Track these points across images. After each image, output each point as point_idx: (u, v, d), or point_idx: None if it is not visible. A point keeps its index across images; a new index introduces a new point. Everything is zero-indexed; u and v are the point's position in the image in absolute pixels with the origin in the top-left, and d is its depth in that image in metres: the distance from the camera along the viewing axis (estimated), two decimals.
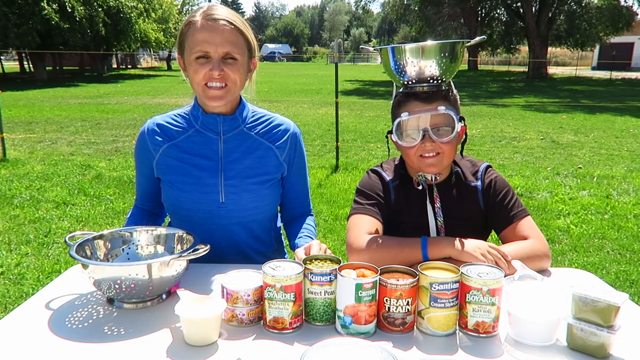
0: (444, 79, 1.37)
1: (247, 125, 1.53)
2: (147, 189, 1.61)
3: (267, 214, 1.59)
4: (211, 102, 1.43)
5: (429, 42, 1.33)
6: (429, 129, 1.37)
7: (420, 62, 1.34)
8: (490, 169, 1.57)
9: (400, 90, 1.45)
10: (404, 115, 1.38)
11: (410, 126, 1.40)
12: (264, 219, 1.59)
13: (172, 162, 1.50)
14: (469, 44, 1.39)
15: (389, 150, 1.52)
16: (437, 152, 1.40)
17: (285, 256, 1.73)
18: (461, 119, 1.41)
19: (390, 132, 1.45)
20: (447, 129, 1.39)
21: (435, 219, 1.48)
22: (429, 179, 1.47)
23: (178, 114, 1.55)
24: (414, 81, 1.38)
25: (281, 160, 1.55)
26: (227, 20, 1.37)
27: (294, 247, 1.54)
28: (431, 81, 1.37)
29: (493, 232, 1.58)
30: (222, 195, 1.49)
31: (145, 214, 1.63)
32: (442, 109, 1.36)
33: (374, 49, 1.46)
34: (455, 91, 1.44)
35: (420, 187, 1.49)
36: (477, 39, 1.40)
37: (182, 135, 1.51)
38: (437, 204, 1.48)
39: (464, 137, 1.48)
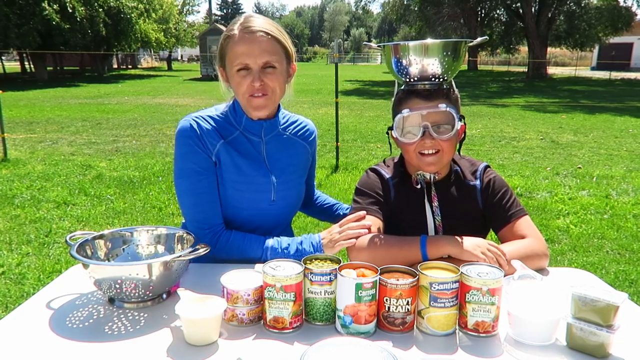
0: (445, 78, 1.38)
1: (282, 127, 1.59)
2: (216, 197, 1.49)
3: (299, 206, 1.71)
4: (255, 112, 1.47)
5: (433, 40, 1.33)
6: (429, 125, 1.38)
7: (423, 60, 1.34)
8: (488, 168, 1.57)
9: (402, 87, 1.45)
10: (405, 112, 1.39)
11: (411, 122, 1.40)
12: (299, 207, 1.70)
13: (227, 160, 1.48)
14: (471, 43, 1.38)
15: (390, 146, 1.52)
16: (437, 149, 1.41)
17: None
18: (461, 117, 1.41)
19: (390, 128, 1.45)
20: (447, 126, 1.39)
21: (434, 218, 1.48)
22: (427, 177, 1.47)
23: (216, 116, 1.52)
24: (415, 79, 1.38)
25: (309, 155, 1.67)
26: (264, 31, 1.40)
27: (337, 210, 1.80)
28: (433, 79, 1.37)
29: (491, 232, 1.58)
30: (274, 193, 1.53)
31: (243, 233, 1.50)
32: (442, 106, 1.36)
33: (378, 46, 1.46)
34: (456, 90, 1.44)
35: (419, 186, 1.49)
36: (480, 39, 1.39)
37: (230, 136, 1.50)
38: (435, 203, 1.48)
39: (462, 136, 1.48)
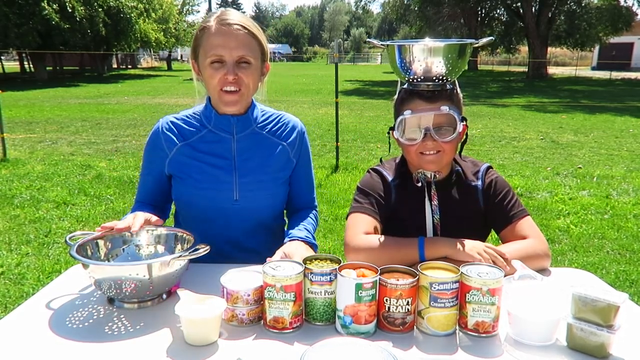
0: (449, 79, 1.37)
1: (259, 125, 1.56)
2: (152, 189, 1.60)
3: (279, 210, 1.65)
4: (226, 107, 1.47)
5: (439, 41, 1.33)
6: (431, 128, 1.37)
7: (428, 60, 1.33)
8: (491, 169, 1.57)
9: (404, 86, 1.44)
10: (407, 114, 1.38)
11: (413, 124, 1.40)
12: (275, 216, 1.63)
13: (187, 160, 1.51)
14: (477, 44, 1.37)
15: (389, 146, 1.52)
16: (438, 150, 1.41)
17: None
18: (463, 119, 1.41)
19: (392, 128, 1.45)
20: (449, 128, 1.39)
21: (432, 217, 1.48)
22: (428, 176, 1.47)
23: (190, 115, 1.56)
24: (419, 79, 1.37)
25: (291, 156, 1.59)
26: (241, 25, 1.39)
27: (286, 234, 1.56)
28: (436, 80, 1.36)
29: (493, 233, 1.58)
30: (237, 192, 1.52)
31: (150, 208, 1.57)
32: (445, 109, 1.36)
33: (381, 44, 1.44)
34: (459, 90, 1.44)
35: (419, 184, 1.49)
36: (485, 40, 1.38)
37: (196, 135, 1.53)
38: (435, 202, 1.48)
39: (464, 137, 1.47)
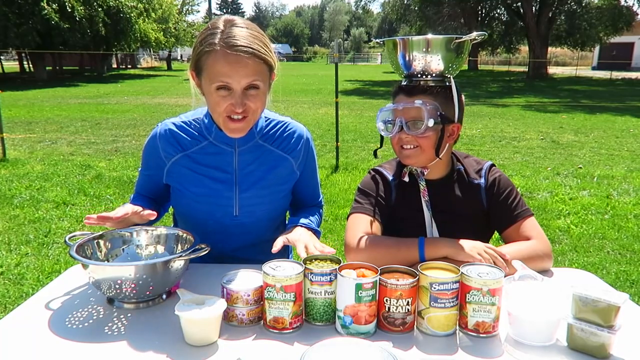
0: (433, 75, 1.39)
1: (262, 135, 1.49)
2: (149, 186, 1.55)
3: (279, 222, 1.62)
4: (232, 134, 1.40)
5: (418, 37, 1.36)
6: (403, 120, 1.40)
7: (414, 55, 1.37)
8: (494, 167, 1.57)
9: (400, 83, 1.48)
10: (388, 106, 1.44)
11: (390, 117, 1.45)
12: (276, 228, 1.60)
13: (186, 172, 1.46)
14: (459, 40, 1.36)
15: (382, 139, 1.54)
16: (415, 145, 1.42)
17: (290, 255, 1.73)
18: (441, 116, 1.39)
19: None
20: (421, 123, 1.38)
21: (430, 215, 1.48)
22: (417, 172, 1.48)
23: (191, 121, 1.48)
24: (404, 74, 1.42)
25: (295, 168, 1.54)
26: (248, 49, 1.27)
27: (290, 221, 1.54)
28: (419, 75, 1.39)
29: (494, 233, 1.58)
30: (237, 208, 1.48)
31: (148, 200, 1.54)
32: (418, 102, 1.37)
33: (381, 41, 1.49)
34: (454, 89, 1.40)
35: (406, 179, 1.49)
36: (475, 34, 1.36)
37: (196, 146, 1.46)
38: (426, 198, 1.48)
39: (439, 134, 1.41)
